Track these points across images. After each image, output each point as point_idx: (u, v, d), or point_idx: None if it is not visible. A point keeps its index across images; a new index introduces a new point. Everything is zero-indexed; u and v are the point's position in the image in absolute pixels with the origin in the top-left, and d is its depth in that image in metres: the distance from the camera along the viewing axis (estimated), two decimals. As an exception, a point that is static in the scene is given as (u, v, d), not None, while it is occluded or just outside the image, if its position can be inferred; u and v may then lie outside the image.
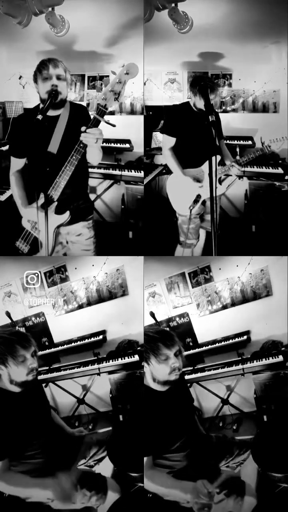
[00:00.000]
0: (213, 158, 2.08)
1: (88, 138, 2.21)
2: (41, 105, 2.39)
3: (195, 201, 2.87)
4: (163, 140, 2.95)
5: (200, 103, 2.72)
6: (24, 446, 1.87)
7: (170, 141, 2.90)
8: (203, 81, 2.62)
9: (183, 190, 2.91)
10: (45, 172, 2.30)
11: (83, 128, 2.19)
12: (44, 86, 2.29)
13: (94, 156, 2.40)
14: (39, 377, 3.02)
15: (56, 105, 2.32)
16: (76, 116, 2.42)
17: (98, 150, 2.37)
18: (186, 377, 3.00)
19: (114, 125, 2.23)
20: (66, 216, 2.42)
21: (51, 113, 2.35)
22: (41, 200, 2.29)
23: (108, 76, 3.83)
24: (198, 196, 2.87)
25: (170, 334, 1.88)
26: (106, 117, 2.24)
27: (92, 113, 2.29)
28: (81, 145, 2.25)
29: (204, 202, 2.94)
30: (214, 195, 1.95)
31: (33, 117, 2.15)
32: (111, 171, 3.74)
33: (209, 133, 2.10)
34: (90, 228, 2.63)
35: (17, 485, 1.80)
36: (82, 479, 1.88)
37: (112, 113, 3.90)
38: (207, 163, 2.72)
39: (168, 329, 3.16)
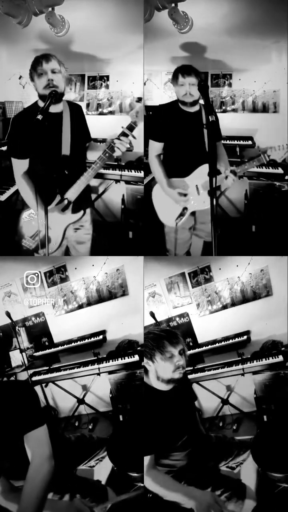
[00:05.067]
0: (212, 160, 2.07)
1: (121, 146, 2.37)
2: (39, 101, 2.41)
3: (181, 214, 2.67)
4: (149, 146, 2.72)
5: (180, 92, 2.55)
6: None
7: (157, 147, 2.68)
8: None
9: (168, 202, 2.72)
10: (64, 175, 2.41)
11: (115, 140, 2.36)
12: (41, 82, 2.30)
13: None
14: (38, 378, 3.02)
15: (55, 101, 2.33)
16: (76, 116, 2.46)
17: None
18: (186, 377, 3.01)
19: (135, 138, 2.40)
20: (80, 214, 2.51)
21: (51, 109, 2.36)
22: (56, 201, 2.41)
23: (108, 75, 3.83)
24: (184, 209, 2.67)
25: (175, 333, 1.92)
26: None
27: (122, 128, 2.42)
28: (107, 154, 2.37)
29: (193, 213, 2.76)
30: (214, 195, 1.95)
31: (33, 115, 2.14)
32: (111, 171, 3.74)
33: (202, 136, 2.05)
34: (90, 221, 2.72)
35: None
36: (83, 488, 1.89)
37: (112, 112, 3.90)
38: (195, 172, 2.63)
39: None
